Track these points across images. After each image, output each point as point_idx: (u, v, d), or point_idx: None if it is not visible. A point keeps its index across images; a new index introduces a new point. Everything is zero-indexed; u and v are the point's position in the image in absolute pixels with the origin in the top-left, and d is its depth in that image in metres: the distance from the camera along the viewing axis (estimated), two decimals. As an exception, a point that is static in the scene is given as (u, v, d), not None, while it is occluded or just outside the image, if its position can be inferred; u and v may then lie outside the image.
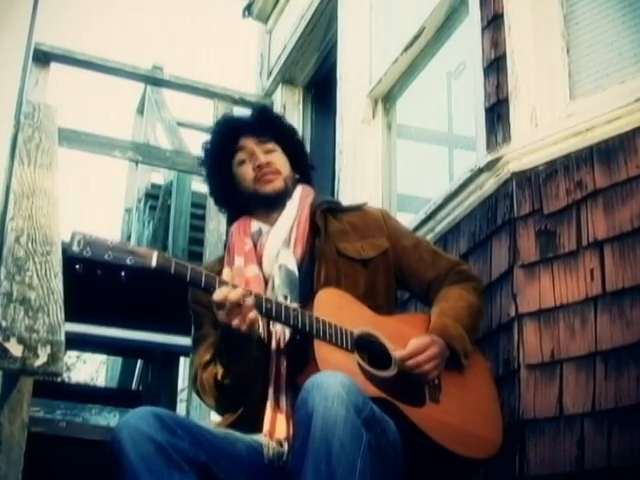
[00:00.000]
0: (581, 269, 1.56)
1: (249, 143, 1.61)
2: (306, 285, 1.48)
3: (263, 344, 1.41)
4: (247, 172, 1.60)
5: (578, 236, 1.59)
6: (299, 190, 1.62)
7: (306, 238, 1.54)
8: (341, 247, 1.55)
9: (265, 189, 1.57)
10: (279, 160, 1.61)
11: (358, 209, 1.68)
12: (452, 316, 1.51)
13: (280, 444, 1.32)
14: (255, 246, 1.54)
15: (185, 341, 2.88)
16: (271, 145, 1.62)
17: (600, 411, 1.45)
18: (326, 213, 1.60)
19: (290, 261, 1.49)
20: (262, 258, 1.51)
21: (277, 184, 1.58)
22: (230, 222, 1.72)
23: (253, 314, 1.30)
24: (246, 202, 1.61)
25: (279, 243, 1.53)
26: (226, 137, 1.64)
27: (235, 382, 1.39)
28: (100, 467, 1.24)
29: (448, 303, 1.54)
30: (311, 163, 1.71)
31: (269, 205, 1.59)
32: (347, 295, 1.47)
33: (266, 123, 1.65)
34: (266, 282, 1.48)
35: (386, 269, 1.58)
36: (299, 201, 1.59)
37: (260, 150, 1.60)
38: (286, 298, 1.44)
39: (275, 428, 1.34)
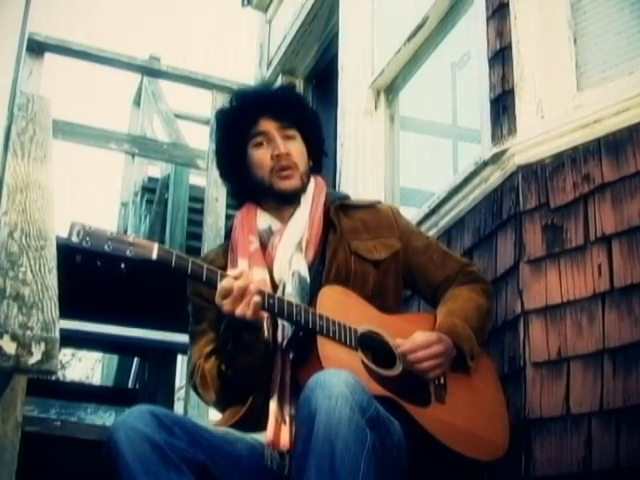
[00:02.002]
0: (588, 264, 1.54)
1: (269, 127, 1.52)
2: (315, 285, 1.43)
3: (268, 339, 1.38)
4: (264, 159, 1.51)
5: (585, 231, 1.56)
6: (312, 184, 1.56)
7: (319, 239, 1.49)
8: (354, 246, 1.51)
9: (282, 186, 1.50)
10: (298, 150, 1.53)
11: (370, 207, 1.62)
12: (460, 316, 1.48)
13: (282, 456, 1.29)
14: (264, 246, 1.48)
15: (183, 338, 2.84)
16: (292, 131, 1.53)
17: (608, 410, 1.43)
18: (338, 209, 1.56)
19: (303, 267, 1.44)
20: (273, 261, 1.45)
21: (294, 182, 1.50)
22: (231, 196, 1.66)
23: (257, 298, 1.27)
24: (256, 187, 1.54)
25: (293, 247, 1.46)
26: (245, 115, 1.54)
27: (240, 374, 1.35)
28: (96, 467, 1.22)
29: (456, 303, 1.51)
30: (326, 151, 1.64)
31: (282, 201, 1.52)
32: (352, 293, 1.44)
33: (289, 107, 1.56)
34: (274, 286, 1.43)
35: (396, 270, 1.54)
36: (312, 198, 1.53)
37: (280, 136, 1.52)
38: None
39: (279, 439, 1.31)
